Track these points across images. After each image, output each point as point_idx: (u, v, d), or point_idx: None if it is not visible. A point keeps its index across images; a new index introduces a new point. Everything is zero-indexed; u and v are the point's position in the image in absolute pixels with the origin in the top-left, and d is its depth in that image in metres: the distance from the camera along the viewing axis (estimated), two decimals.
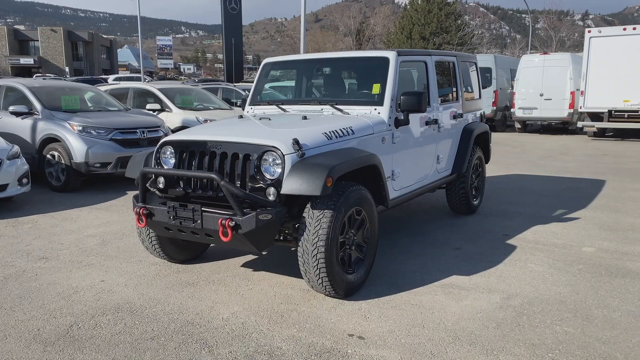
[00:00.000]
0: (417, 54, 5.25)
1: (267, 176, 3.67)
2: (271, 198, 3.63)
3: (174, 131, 9.16)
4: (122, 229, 5.88)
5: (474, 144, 6.16)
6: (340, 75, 5.19)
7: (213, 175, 3.52)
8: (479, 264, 4.64)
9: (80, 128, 7.82)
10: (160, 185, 4.05)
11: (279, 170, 3.62)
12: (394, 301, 3.83)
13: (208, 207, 3.75)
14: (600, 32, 15.80)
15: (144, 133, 8.28)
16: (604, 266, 4.55)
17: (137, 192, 4.14)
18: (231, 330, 3.40)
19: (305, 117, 4.35)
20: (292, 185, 3.52)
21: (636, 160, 11.20)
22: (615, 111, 15.38)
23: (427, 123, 5.19)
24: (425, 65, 5.26)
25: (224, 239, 3.53)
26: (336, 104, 4.71)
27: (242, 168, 3.73)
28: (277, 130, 4.04)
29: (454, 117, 5.84)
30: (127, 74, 45.38)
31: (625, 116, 15.31)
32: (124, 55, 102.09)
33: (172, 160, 4.10)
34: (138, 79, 29.75)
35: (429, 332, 3.35)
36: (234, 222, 3.48)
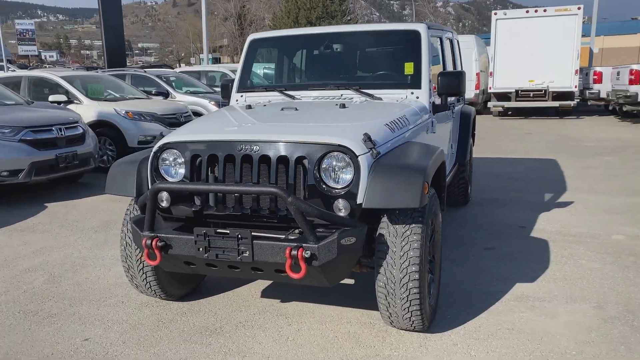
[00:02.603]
0: (437, 29, 4.54)
1: (333, 185, 2.76)
2: (342, 214, 2.74)
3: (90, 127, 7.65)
4: (68, 256, 4.55)
5: None
6: (356, 54, 4.33)
7: (276, 191, 2.54)
8: (527, 265, 4.10)
9: None
10: (164, 204, 2.97)
11: (350, 176, 2.74)
12: (484, 328, 3.14)
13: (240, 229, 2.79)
14: (505, 14, 16.32)
15: (61, 131, 6.75)
16: None
17: (128, 214, 3.03)
18: None
19: (343, 105, 3.46)
20: (377, 196, 2.66)
21: (560, 138, 11.59)
22: (522, 91, 16.03)
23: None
24: (440, 42, 4.58)
25: (293, 275, 2.58)
26: (360, 88, 3.87)
27: (294, 176, 2.79)
28: (335, 124, 3.12)
29: (457, 100, 5.26)
30: None
31: (531, 95, 16.03)
32: None
33: (182, 170, 3.02)
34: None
35: None
36: (309, 252, 2.55)
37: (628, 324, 3.14)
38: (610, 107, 16.37)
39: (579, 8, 15.22)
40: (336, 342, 3.02)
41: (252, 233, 2.66)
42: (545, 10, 15.65)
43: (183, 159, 3.00)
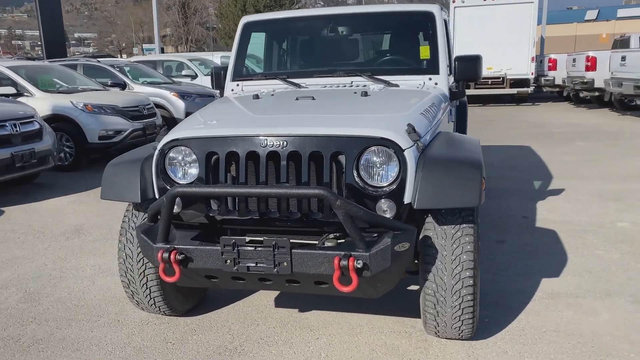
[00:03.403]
0: (443, 10, 4.26)
1: (375, 184, 2.45)
2: (387, 215, 2.43)
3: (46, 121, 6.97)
4: (41, 268, 4.03)
5: None
6: (364, 38, 4.00)
7: (324, 193, 2.19)
8: (545, 259, 3.94)
9: None
10: (175, 209, 2.57)
11: (394, 173, 2.43)
12: (528, 331, 2.92)
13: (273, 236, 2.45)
14: (463, 1, 16.34)
15: (15, 127, 6.08)
16: None
17: (127, 221, 2.63)
18: None
19: (365, 93, 3.12)
20: (431, 195, 2.37)
21: (525, 124, 11.69)
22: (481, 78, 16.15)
23: None
24: (445, 24, 4.31)
25: (343, 288, 2.25)
26: (373, 74, 3.55)
27: (329, 173, 2.45)
28: (370, 115, 2.78)
29: None
30: None
31: (489, 83, 16.18)
32: None
33: (193, 170, 2.63)
34: None
35: None
36: (360, 262, 2.22)
37: None
38: (565, 94, 16.71)
39: None
40: (375, 355, 2.72)
41: (291, 241, 2.31)
42: None
43: (195, 158, 2.60)
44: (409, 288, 3.44)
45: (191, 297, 3.20)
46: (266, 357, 2.74)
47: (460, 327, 2.61)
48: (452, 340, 2.81)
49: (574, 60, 14.63)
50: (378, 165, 2.45)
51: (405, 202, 2.41)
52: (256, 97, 3.28)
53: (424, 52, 3.62)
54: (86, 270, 3.99)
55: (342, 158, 2.45)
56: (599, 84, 13.34)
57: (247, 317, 3.17)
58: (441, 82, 3.52)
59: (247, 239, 2.39)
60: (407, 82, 3.51)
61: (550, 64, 16.68)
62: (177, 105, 10.01)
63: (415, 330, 2.94)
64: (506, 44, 15.58)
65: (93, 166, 7.94)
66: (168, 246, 2.42)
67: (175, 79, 11.65)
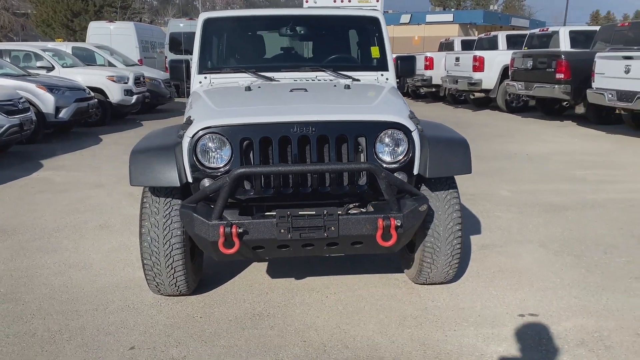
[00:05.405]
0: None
1: (390, 159, 3.00)
2: None
3: None
4: (6, 272, 3.82)
5: None
6: (318, 38, 4.44)
7: (371, 166, 2.69)
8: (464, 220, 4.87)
9: None
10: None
11: (405, 149, 3.02)
12: (482, 273, 3.74)
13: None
14: (315, 2, 17.38)
15: None
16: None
17: (185, 204, 2.84)
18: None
19: (348, 86, 3.64)
20: (439, 166, 3.01)
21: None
22: None
23: None
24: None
25: (384, 243, 2.77)
26: (335, 70, 4.07)
27: (353, 153, 2.95)
28: (377, 104, 3.29)
29: None
30: None
31: None
32: None
33: (226, 154, 2.91)
34: None
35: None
36: (399, 221, 2.77)
37: (572, 254, 4.07)
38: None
39: (377, 0, 17.04)
40: (381, 302, 3.29)
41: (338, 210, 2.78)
42: (350, 1, 17.12)
43: (229, 144, 2.89)
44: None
45: (197, 277, 3.43)
46: (294, 316, 3.14)
47: (448, 271, 3.31)
48: (433, 285, 3.49)
49: (457, 59, 14.14)
50: (391, 145, 3.01)
51: (415, 173, 3.01)
52: (248, 88, 3.59)
53: (375, 51, 4.24)
54: (59, 266, 3.90)
55: (362, 140, 2.96)
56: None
57: (253, 289, 3.50)
58: (391, 77, 4.18)
59: (299, 211, 2.80)
60: (364, 77, 4.10)
61: (427, 63, 17.48)
62: (45, 99, 9.29)
63: (400, 282, 3.57)
64: None
65: None
66: (225, 222, 2.70)
67: (32, 71, 10.68)
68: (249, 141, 2.90)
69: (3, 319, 3.13)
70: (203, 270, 3.60)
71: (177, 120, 12.38)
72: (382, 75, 4.16)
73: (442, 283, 3.48)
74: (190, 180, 2.92)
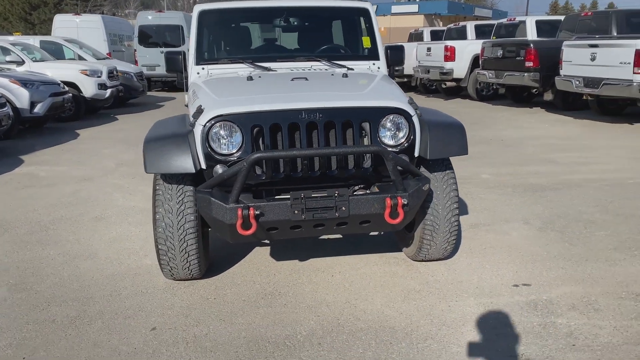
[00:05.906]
0: None
1: (392, 143, 3.18)
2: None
3: None
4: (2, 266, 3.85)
5: None
6: (314, 27, 4.57)
7: (379, 149, 2.87)
8: None
9: None
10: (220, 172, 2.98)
11: (404, 134, 3.20)
12: (475, 249, 3.97)
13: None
14: None
15: None
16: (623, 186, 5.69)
17: (202, 189, 2.95)
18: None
19: (345, 75, 3.79)
20: (439, 148, 3.21)
21: None
22: None
23: None
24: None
25: (392, 220, 2.95)
26: (329, 60, 4.22)
27: (358, 138, 3.12)
28: (380, 91, 3.45)
29: None
30: None
31: None
32: None
33: (237, 141, 3.03)
34: None
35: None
36: (406, 200, 2.96)
37: (555, 229, 4.34)
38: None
39: None
40: (385, 279, 3.48)
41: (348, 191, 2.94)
42: None
43: (240, 131, 3.01)
44: (372, 234, 4.25)
45: (207, 261, 3.55)
46: (305, 294, 3.30)
47: (446, 247, 3.53)
48: (431, 262, 3.70)
49: (429, 49, 14.53)
50: (393, 129, 3.18)
51: (415, 156, 3.20)
52: (250, 78, 3.70)
53: (366, 41, 4.40)
54: (58, 258, 3.94)
55: (365, 125, 3.12)
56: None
57: (260, 272, 3.64)
58: (382, 66, 4.35)
59: (314, 192, 2.95)
60: (358, 66, 4.26)
61: None
62: (20, 94, 9.11)
63: (399, 260, 3.77)
64: None
65: None
66: (243, 205, 2.84)
67: (3, 66, 10.45)
68: (259, 128, 3.03)
69: (20, 307, 3.19)
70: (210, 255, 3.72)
71: (152, 114, 12.34)
72: (374, 64, 4.33)
73: (439, 259, 3.69)
74: (204, 166, 3.04)
